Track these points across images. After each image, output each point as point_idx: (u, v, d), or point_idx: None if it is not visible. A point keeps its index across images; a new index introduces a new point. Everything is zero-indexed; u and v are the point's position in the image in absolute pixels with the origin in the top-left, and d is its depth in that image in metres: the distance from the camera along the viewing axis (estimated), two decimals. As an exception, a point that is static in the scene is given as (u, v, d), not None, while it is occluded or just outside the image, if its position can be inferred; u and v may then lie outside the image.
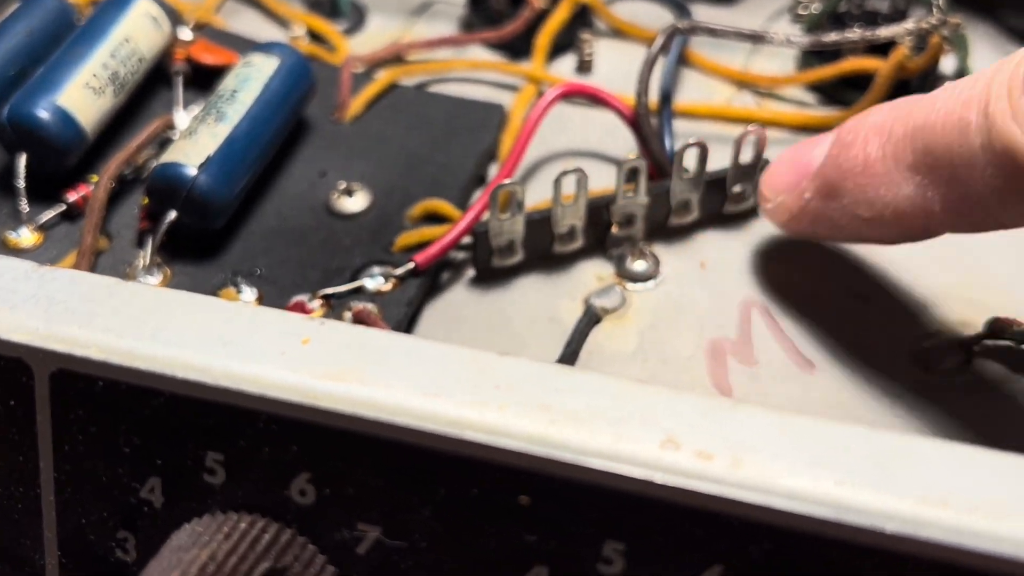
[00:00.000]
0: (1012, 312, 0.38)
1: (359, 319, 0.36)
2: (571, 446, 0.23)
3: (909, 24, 0.43)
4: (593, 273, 0.40)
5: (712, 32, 0.42)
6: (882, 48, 0.45)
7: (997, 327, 0.36)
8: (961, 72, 0.48)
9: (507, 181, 0.37)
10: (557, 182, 0.38)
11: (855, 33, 0.43)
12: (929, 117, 0.30)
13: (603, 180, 0.44)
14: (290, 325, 0.25)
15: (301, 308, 0.36)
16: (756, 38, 0.42)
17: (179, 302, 0.26)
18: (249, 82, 0.40)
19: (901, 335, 0.38)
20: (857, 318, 0.38)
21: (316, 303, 0.37)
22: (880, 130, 0.32)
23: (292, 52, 0.41)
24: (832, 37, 0.43)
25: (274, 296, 0.37)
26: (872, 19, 0.49)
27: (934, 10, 0.46)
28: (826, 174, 0.34)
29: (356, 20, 0.52)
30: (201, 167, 0.37)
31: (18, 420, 0.25)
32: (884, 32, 0.43)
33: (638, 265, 0.40)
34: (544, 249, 0.40)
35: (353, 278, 0.38)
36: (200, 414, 0.24)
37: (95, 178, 0.39)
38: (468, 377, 0.24)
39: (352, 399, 0.24)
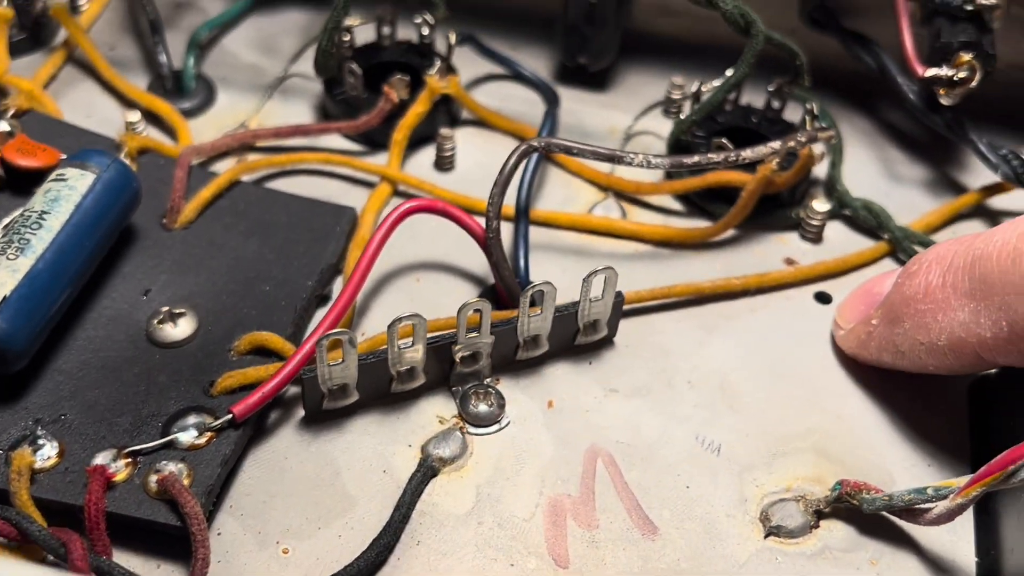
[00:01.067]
0: (863, 468, 0.37)
1: (164, 487, 0.33)
2: None
3: (776, 144, 0.41)
4: (434, 414, 0.38)
5: (568, 151, 0.40)
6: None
7: (846, 491, 0.35)
8: (832, 179, 0.46)
9: (334, 331, 0.34)
10: (392, 327, 0.35)
11: (718, 155, 0.40)
12: (987, 248, 0.32)
13: (455, 294, 0.41)
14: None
15: (102, 472, 0.33)
16: (614, 159, 0.40)
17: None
18: (59, 203, 0.36)
19: (749, 494, 0.36)
20: (706, 468, 0.37)
21: (121, 463, 0.34)
22: (941, 260, 0.34)
23: (112, 163, 0.38)
24: (694, 159, 0.40)
25: (78, 450, 0.34)
26: (745, 116, 0.48)
27: (808, 121, 0.44)
28: (892, 301, 0.36)
29: (203, 97, 0.48)
30: (-6, 311, 0.33)
31: None
32: (748, 154, 0.41)
33: (481, 408, 0.38)
34: (382, 389, 0.37)
35: (166, 429, 0.35)
36: None
37: None
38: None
39: None
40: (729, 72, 0.45)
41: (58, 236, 0.36)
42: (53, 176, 0.37)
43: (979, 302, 0.32)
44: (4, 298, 0.34)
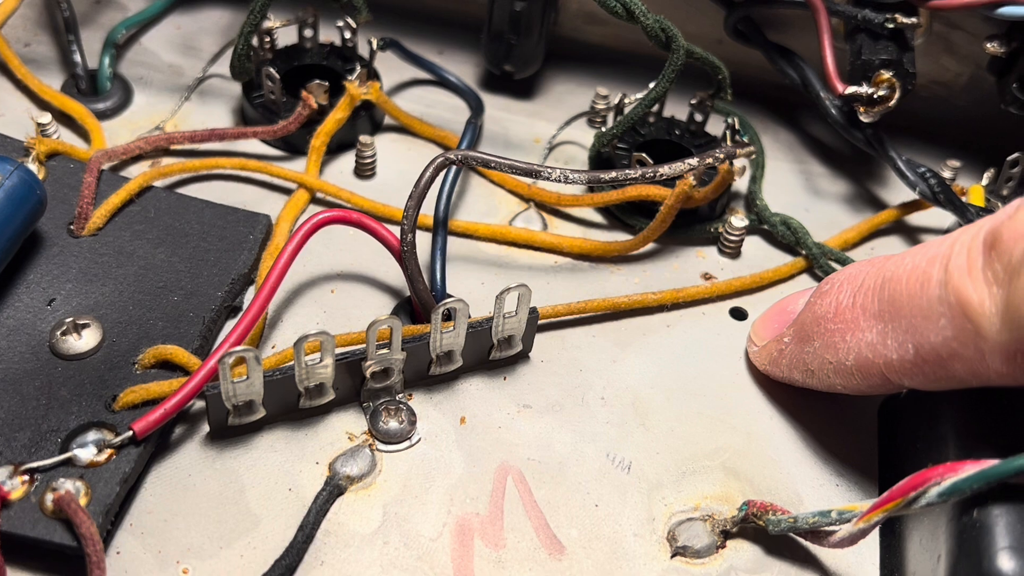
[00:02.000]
0: (772, 488, 0.37)
1: (60, 506, 0.32)
2: None
3: (693, 161, 0.41)
4: (344, 430, 0.37)
5: (486, 164, 0.39)
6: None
7: (752, 512, 0.35)
8: (752, 194, 0.47)
9: (237, 348, 0.34)
10: (298, 344, 0.34)
11: (635, 171, 0.40)
12: (896, 270, 0.32)
13: (370, 306, 0.41)
14: None
15: (-4, 491, 0.32)
16: (532, 173, 0.40)
17: None
18: (-43, 210, 0.35)
19: (657, 513, 0.36)
20: (615, 486, 0.37)
21: (17, 480, 0.33)
22: (853, 280, 0.34)
23: (15, 170, 0.37)
24: (611, 175, 0.40)
25: (-29, 467, 0.33)
26: (669, 128, 0.48)
27: (728, 135, 0.44)
28: (803, 319, 0.37)
29: (120, 98, 0.47)
30: None
31: None
32: (666, 171, 0.41)
33: (391, 424, 0.37)
34: (290, 404, 0.37)
35: (65, 445, 0.34)
36: None
37: None
38: None
39: None
40: (651, 85, 0.45)
41: (-45, 245, 0.35)
42: (-48, 182, 0.36)
43: (887, 324, 0.33)
44: None
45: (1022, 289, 0.28)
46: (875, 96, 0.44)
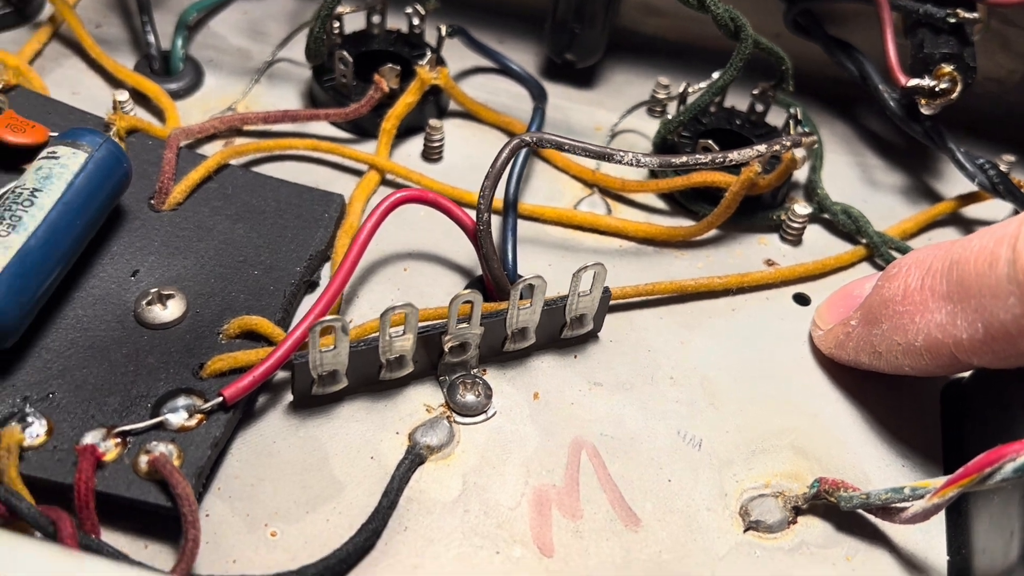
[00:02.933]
0: (842, 465, 0.38)
1: (155, 467, 0.33)
2: None
3: (762, 147, 0.42)
4: (421, 402, 0.38)
5: (560, 147, 0.40)
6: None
7: (823, 488, 0.36)
8: (812, 184, 0.47)
9: (328, 317, 0.34)
10: (385, 316, 0.35)
11: (705, 156, 0.41)
12: (964, 252, 0.33)
13: (442, 284, 0.42)
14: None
15: (92, 451, 0.33)
16: (605, 156, 0.40)
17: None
18: (51, 180, 0.36)
19: (729, 488, 0.37)
20: (687, 462, 0.37)
21: (111, 443, 0.34)
22: (920, 264, 0.35)
23: (104, 143, 0.38)
24: (682, 159, 0.41)
25: (67, 428, 0.34)
26: (729, 118, 0.48)
27: (791, 125, 0.45)
28: (870, 302, 0.37)
29: (191, 79, 0.48)
30: (-14, 286, 0.33)
31: None
32: (735, 156, 0.42)
33: (468, 397, 0.38)
34: (371, 376, 0.38)
35: (155, 410, 0.35)
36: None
37: None
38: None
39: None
40: (716, 75, 0.46)
41: (50, 214, 0.35)
42: (45, 154, 0.37)
43: (956, 304, 0.33)
44: (-5, 274, 0.33)
45: None
46: (937, 89, 0.45)
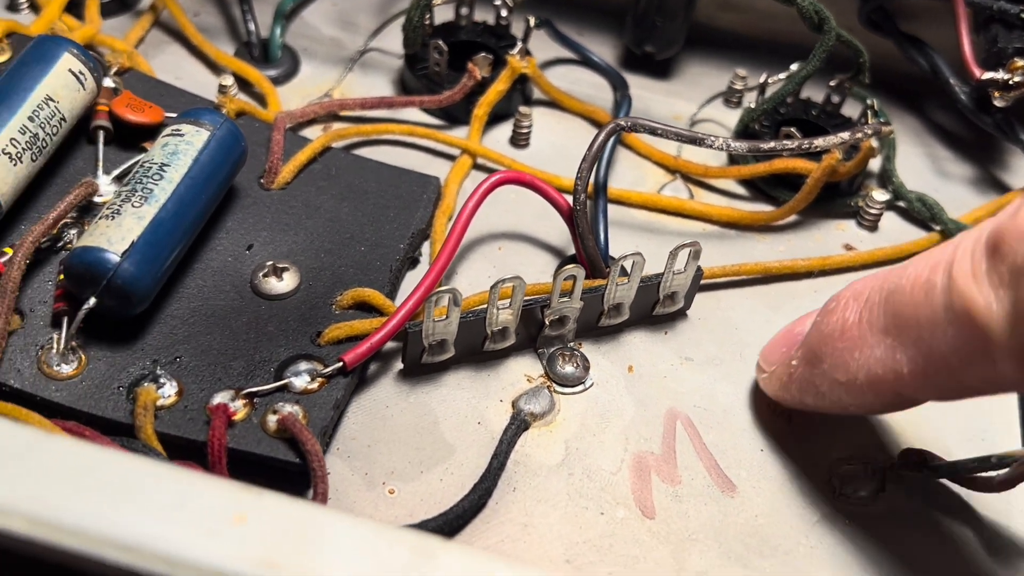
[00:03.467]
0: (925, 439, 0.40)
1: (284, 426, 0.35)
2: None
3: (845, 135, 0.44)
4: (522, 373, 0.40)
5: (653, 131, 0.42)
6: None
7: (911, 458, 0.38)
8: (886, 173, 0.49)
9: (444, 287, 0.36)
10: (494, 288, 0.37)
11: (792, 141, 0.43)
12: (900, 281, 0.31)
13: (535, 263, 0.44)
14: (224, 499, 0.24)
15: (224, 410, 0.35)
16: (696, 140, 0.42)
17: (105, 462, 0.24)
18: (178, 156, 0.38)
19: (819, 459, 0.39)
20: (778, 437, 0.39)
21: (239, 403, 0.35)
22: (858, 297, 0.33)
23: (224, 122, 0.40)
24: (770, 144, 0.43)
25: (195, 390, 0.36)
26: (806, 109, 0.50)
27: (868, 116, 0.47)
28: (810, 341, 0.35)
29: (288, 67, 0.50)
30: (124, 254, 0.35)
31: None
32: (820, 142, 0.43)
33: (567, 369, 0.40)
34: (475, 347, 0.39)
35: (278, 374, 0.37)
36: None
37: (8, 251, 0.37)
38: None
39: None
40: (795, 66, 0.47)
41: (178, 187, 0.37)
42: (169, 131, 0.39)
43: (895, 337, 0.31)
44: (132, 243, 0.35)
45: None
46: (1011, 82, 0.46)
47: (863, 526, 0.37)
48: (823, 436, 0.39)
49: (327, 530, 0.24)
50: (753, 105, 0.48)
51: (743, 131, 0.49)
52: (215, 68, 0.50)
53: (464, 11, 0.51)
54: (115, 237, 0.35)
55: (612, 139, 0.45)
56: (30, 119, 0.38)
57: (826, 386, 0.34)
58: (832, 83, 0.49)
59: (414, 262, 0.43)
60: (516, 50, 0.48)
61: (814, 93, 0.51)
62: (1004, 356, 0.28)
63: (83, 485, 0.24)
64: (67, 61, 0.40)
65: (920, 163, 0.52)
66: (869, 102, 0.47)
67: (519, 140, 0.49)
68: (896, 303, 0.31)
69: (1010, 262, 0.27)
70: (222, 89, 0.46)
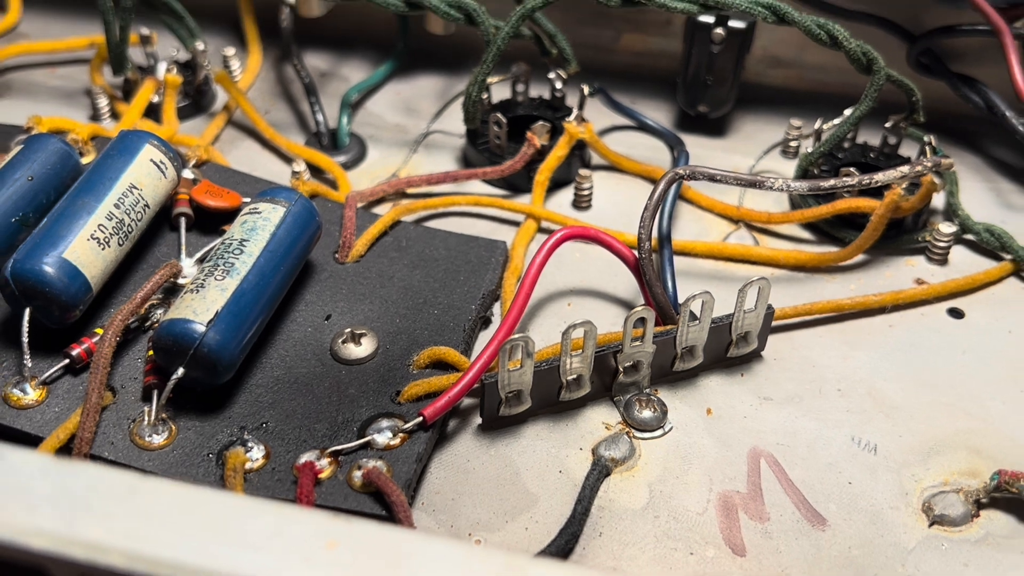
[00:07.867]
0: (1014, 464, 0.39)
1: (369, 479, 0.35)
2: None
3: (905, 169, 0.44)
4: (600, 421, 0.40)
5: (712, 178, 0.43)
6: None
7: (1004, 480, 0.37)
8: (951, 207, 0.49)
9: (517, 336, 0.37)
10: (566, 334, 0.38)
11: (852, 179, 0.43)
12: None
13: (604, 317, 0.44)
14: (314, 526, 0.25)
15: (311, 468, 0.36)
16: (755, 184, 0.43)
17: (200, 501, 0.25)
18: (256, 232, 0.40)
19: (909, 487, 0.38)
20: (864, 466, 0.38)
21: (325, 461, 0.36)
22: None
23: (299, 198, 0.41)
24: (830, 182, 0.43)
25: (282, 452, 0.37)
26: (863, 152, 0.50)
27: (927, 151, 0.47)
28: None
29: (357, 152, 0.53)
30: (209, 324, 0.36)
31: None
32: (880, 177, 0.44)
33: (645, 414, 0.40)
34: (551, 397, 0.40)
35: (361, 432, 0.37)
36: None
37: (100, 331, 0.39)
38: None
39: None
40: (848, 111, 0.48)
41: (258, 260, 0.39)
42: (247, 210, 0.41)
43: None
44: (216, 313, 0.37)
45: None
46: (1068, 107, 0.47)
47: (959, 551, 0.36)
48: (912, 466, 0.39)
49: (416, 551, 0.24)
50: (810, 150, 0.49)
51: (802, 176, 0.49)
52: (287, 159, 0.52)
53: (520, 87, 0.53)
54: (200, 308, 0.37)
55: (673, 188, 0.46)
56: (116, 206, 0.40)
57: None
58: (887, 124, 0.50)
59: (486, 322, 0.44)
60: (572, 116, 0.50)
61: (870, 138, 0.51)
62: None
63: (181, 522, 0.25)
64: (149, 152, 0.42)
65: (984, 197, 0.51)
66: (926, 139, 0.47)
67: (581, 202, 0.50)
68: None
69: None
70: (295, 174, 0.48)
